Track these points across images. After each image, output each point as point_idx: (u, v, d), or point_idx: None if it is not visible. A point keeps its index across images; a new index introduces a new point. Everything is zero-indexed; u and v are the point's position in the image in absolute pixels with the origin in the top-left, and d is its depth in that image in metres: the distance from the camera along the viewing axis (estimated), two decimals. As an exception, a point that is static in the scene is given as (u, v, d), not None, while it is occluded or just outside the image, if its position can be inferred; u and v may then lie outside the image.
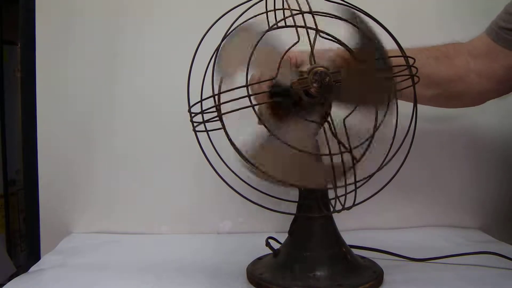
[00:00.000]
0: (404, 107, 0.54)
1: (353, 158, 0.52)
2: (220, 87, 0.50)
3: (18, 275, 0.63)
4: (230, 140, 0.50)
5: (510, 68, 0.66)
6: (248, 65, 0.48)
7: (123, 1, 0.83)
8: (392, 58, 0.53)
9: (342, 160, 0.50)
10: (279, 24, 0.52)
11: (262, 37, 0.48)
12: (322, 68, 0.49)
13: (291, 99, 0.52)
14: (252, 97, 0.49)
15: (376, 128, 0.52)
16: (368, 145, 0.52)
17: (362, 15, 0.52)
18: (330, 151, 0.50)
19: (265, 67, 0.51)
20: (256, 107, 0.50)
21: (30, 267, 0.66)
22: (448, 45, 0.69)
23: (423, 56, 0.64)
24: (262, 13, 0.55)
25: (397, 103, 0.54)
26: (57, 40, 0.82)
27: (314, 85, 0.49)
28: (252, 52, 0.48)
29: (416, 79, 0.54)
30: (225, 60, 0.49)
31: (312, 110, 0.52)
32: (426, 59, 0.66)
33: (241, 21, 0.51)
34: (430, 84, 0.66)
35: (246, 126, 0.51)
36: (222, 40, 0.51)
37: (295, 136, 0.50)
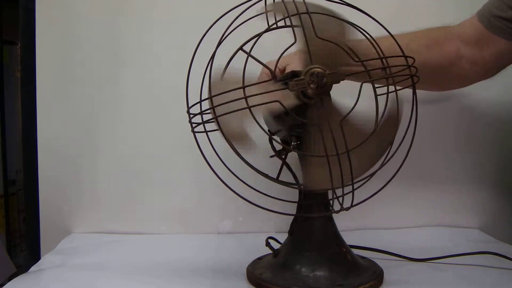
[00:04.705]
0: (404, 108, 0.54)
1: (350, 160, 0.52)
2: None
3: (18, 275, 0.63)
4: (228, 140, 0.50)
5: (499, 54, 0.66)
6: (244, 67, 0.47)
7: (123, 1, 0.83)
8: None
9: (339, 161, 0.50)
10: (275, 26, 0.51)
11: (259, 37, 0.48)
12: (319, 69, 0.49)
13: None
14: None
15: (374, 130, 0.52)
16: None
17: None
18: (326, 153, 0.49)
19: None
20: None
21: (30, 267, 0.67)
22: (438, 29, 0.70)
23: (414, 45, 0.65)
24: (262, 13, 0.55)
25: (398, 104, 0.53)
26: (57, 40, 0.82)
27: (312, 86, 0.49)
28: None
29: (415, 79, 0.54)
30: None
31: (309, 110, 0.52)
32: (418, 47, 0.66)
33: (240, 21, 0.51)
34: (422, 71, 0.66)
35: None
36: (221, 40, 0.51)
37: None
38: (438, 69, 0.68)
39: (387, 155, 0.54)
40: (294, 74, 0.52)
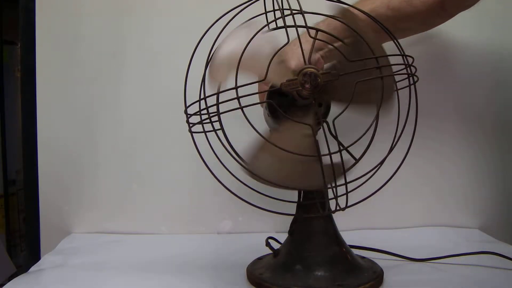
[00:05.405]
0: (404, 109, 0.54)
1: (342, 158, 0.52)
2: (219, 88, 0.50)
3: (18, 275, 0.63)
4: (228, 141, 0.50)
5: None
6: (238, 68, 0.48)
7: (123, 1, 0.83)
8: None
9: (331, 161, 0.50)
10: (270, 26, 0.52)
11: (251, 39, 0.48)
12: (312, 69, 0.49)
13: (287, 99, 0.52)
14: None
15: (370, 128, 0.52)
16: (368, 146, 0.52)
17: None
18: (319, 152, 0.49)
19: (254, 71, 0.51)
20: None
21: (30, 267, 0.67)
22: None
23: (396, 2, 0.65)
24: (261, 14, 0.55)
25: (398, 103, 0.53)
26: (57, 40, 0.82)
27: (306, 86, 0.49)
28: (241, 57, 0.47)
29: (415, 78, 0.54)
30: (215, 68, 0.49)
31: (307, 111, 0.52)
32: (399, 4, 0.66)
33: (239, 21, 0.51)
34: (405, 18, 0.67)
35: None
36: (216, 41, 0.50)
37: (290, 138, 0.50)
38: (421, 18, 0.68)
39: (388, 152, 0.54)
40: None
